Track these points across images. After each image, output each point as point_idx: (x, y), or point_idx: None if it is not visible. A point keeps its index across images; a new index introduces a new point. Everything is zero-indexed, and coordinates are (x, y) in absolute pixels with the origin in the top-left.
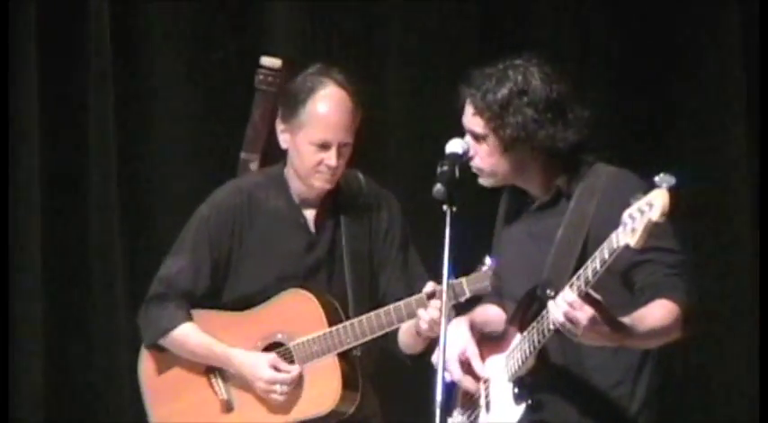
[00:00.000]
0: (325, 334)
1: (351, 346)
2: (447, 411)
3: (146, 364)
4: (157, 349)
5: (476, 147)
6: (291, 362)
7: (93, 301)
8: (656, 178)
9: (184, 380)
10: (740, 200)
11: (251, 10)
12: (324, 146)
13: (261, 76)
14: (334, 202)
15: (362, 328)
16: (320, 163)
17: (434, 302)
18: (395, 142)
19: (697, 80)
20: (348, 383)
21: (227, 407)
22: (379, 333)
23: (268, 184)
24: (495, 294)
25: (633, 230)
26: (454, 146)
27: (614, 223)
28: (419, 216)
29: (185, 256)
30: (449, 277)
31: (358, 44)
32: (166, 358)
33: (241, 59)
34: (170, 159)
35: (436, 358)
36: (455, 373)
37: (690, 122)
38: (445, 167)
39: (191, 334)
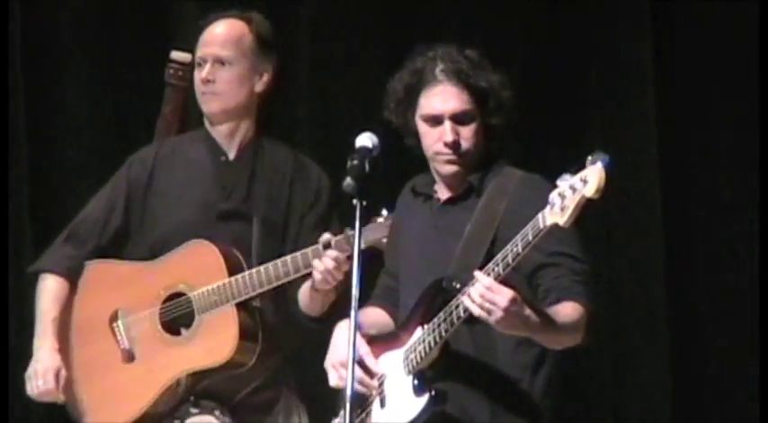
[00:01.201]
0: (224, 284)
1: (249, 296)
2: (335, 412)
3: None
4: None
5: (460, 130)
6: (192, 312)
7: None
8: (590, 157)
9: (88, 329)
10: (651, 200)
11: (161, 3)
12: (201, 63)
13: (171, 71)
14: (254, 158)
15: (260, 278)
16: (199, 82)
17: (329, 252)
18: (302, 139)
19: (609, 84)
20: (246, 334)
21: (129, 356)
22: (276, 283)
23: (192, 137)
24: (381, 297)
25: (563, 209)
26: (364, 140)
27: (522, 224)
28: None
29: (104, 194)
30: (359, 269)
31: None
32: (71, 306)
33: (151, 53)
34: (79, 156)
35: (328, 362)
36: (355, 374)
37: (601, 128)
38: (355, 161)
39: (46, 292)
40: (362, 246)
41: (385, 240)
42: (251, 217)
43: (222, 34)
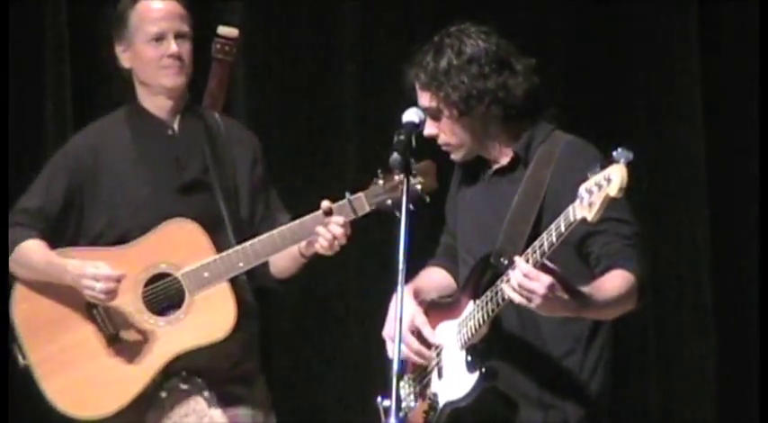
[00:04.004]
0: (216, 259)
1: (244, 269)
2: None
3: (18, 305)
4: (28, 285)
5: (436, 125)
6: (181, 291)
7: None
8: (614, 153)
9: (62, 318)
10: (696, 185)
11: None
12: (160, 38)
13: (218, 46)
14: (194, 127)
15: (255, 250)
16: (162, 56)
17: (335, 219)
18: (350, 115)
19: (654, 69)
20: (240, 309)
21: (115, 341)
22: (273, 254)
23: (120, 118)
24: (442, 255)
25: (591, 204)
26: (410, 115)
27: (569, 191)
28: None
29: (41, 182)
30: (405, 249)
31: (317, 14)
32: (40, 297)
33: (198, 29)
34: None
35: (386, 332)
36: (412, 345)
37: (645, 110)
38: (401, 137)
39: (34, 249)
40: (367, 209)
41: (389, 202)
42: (210, 186)
43: (174, 8)
